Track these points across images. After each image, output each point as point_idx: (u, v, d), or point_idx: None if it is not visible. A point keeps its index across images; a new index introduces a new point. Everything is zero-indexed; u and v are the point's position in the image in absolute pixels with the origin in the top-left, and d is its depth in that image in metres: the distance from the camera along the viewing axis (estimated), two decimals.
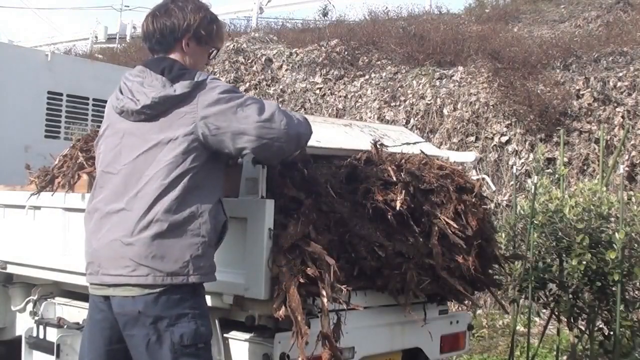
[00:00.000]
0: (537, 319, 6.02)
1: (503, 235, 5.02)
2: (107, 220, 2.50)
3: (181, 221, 2.44)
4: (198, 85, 2.48)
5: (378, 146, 3.41)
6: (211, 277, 2.58)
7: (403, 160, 3.41)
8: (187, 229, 2.45)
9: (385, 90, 10.04)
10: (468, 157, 4.29)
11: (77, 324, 3.53)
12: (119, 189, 2.50)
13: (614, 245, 4.54)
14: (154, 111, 2.50)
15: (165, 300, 2.43)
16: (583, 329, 5.01)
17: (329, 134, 3.53)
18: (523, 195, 7.10)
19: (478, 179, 3.81)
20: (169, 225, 2.42)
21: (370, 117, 9.73)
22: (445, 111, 9.21)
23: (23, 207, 3.72)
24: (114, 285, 2.47)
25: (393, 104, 9.76)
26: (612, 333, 4.82)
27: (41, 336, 3.62)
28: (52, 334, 3.53)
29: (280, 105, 2.64)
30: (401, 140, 3.92)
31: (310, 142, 2.83)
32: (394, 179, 3.20)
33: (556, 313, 4.99)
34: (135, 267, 2.42)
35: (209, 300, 2.99)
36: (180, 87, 2.47)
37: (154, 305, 2.42)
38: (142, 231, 2.42)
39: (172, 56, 2.63)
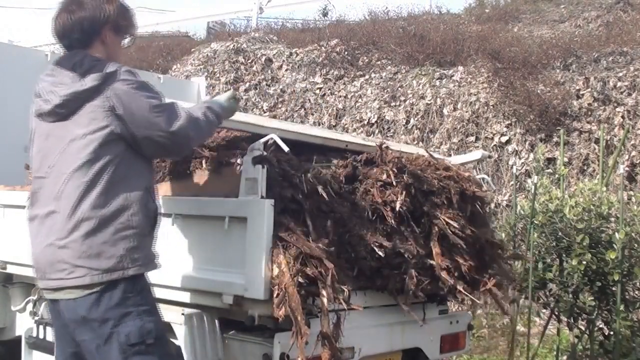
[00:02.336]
0: (537, 319, 6.01)
1: (503, 235, 5.02)
2: (42, 225, 2.50)
3: (110, 215, 2.43)
4: (108, 77, 2.46)
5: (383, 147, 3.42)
6: (150, 266, 2.55)
7: (404, 161, 3.42)
8: (117, 222, 2.43)
9: (385, 90, 10.03)
10: (474, 156, 4.25)
11: None
12: (49, 192, 2.49)
13: (614, 245, 4.54)
14: (67, 109, 2.48)
15: (107, 300, 2.41)
16: (583, 329, 5.01)
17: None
18: (523, 195, 7.10)
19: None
20: (99, 222, 2.41)
21: (370, 117, 9.72)
22: (445, 111, 9.20)
23: (23, 207, 3.71)
24: (58, 289, 2.46)
25: (393, 104, 9.75)
26: (612, 333, 4.82)
27: (41, 336, 3.62)
28: (52, 334, 3.52)
29: (193, 112, 2.60)
30: None
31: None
32: (393, 182, 3.21)
33: (556, 313, 4.99)
34: (72, 269, 2.41)
35: (208, 300, 3.00)
36: (90, 81, 2.46)
37: (95, 308, 2.41)
38: (73, 232, 2.41)
39: (92, 50, 2.60)
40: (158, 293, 3.24)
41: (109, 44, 2.64)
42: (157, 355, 2.47)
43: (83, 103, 2.46)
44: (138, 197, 2.49)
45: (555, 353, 5.44)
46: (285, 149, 2.93)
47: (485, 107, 8.90)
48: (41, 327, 3.62)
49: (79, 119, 2.46)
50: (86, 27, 2.58)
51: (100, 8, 2.59)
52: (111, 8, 2.61)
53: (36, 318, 3.73)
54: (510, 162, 8.29)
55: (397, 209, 3.18)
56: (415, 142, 9.03)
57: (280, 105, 10.95)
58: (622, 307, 4.64)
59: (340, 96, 10.51)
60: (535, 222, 4.89)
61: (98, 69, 2.47)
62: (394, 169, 3.28)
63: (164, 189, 3.40)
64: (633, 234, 4.70)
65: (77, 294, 2.42)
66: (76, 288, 2.42)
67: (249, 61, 12.01)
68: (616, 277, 4.53)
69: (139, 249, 2.48)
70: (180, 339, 3.04)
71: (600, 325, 5.04)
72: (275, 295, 2.70)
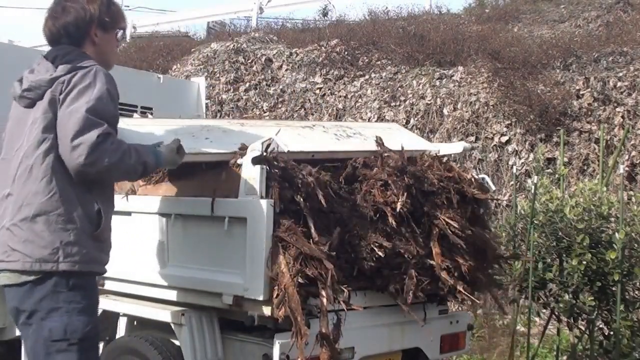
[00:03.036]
0: (537, 319, 6.01)
1: (503, 235, 5.02)
2: (1, 208, 2.52)
3: (51, 204, 2.42)
4: (70, 70, 2.48)
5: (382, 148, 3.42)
6: (88, 266, 2.48)
7: (406, 161, 3.42)
8: (58, 214, 2.42)
9: (385, 90, 10.03)
10: (456, 148, 4.26)
11: None
12: (8, 175, 2.51)
13: (614, 245, 4.54)
14: (34, 95, 2.51)
15: (38, 293, 2.40)
16: (583, 329, 5.00)
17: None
18: (523, 195, 7.09)
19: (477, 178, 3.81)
20: (38, 208, 2.41)
21: (370, 117, 9.73)
22: (445, 111, 9.20)
23: None
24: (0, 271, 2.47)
25: (393, 104, 9.74)
26: (612, 333, 4.82)
27: None
28: None
29: (113, 144, 2.43)
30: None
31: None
32: (392, 184, 3.21)
33: (556, 313, 4.99)
34: (10, 252, 2.42)
35: (208, 300, 3.00)
36: (59, 71, 2.49)
37: (27, 299, 2.41)
38: (16, 215, 2.43)
39: (84, 49, 2.63)
40: (158, 293, 3.25)
41: (99, 43, 2.66)
42: (77, 358, 2.40)
43: (46, 90, 2.49)
44: (79, 193, 2.47)
45: (555, 353, 5.44)
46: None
47: (485, 107, 8.90)
48: None
49: (41, 104, 2.49)
50: (72, 31, 2.61)
51: (83, 10, 2.61)
52: (94, 7, 2.63)
53: None
54: (510, 162, 8.29)
55: (398, 209, 3.18)
56: None
57: (280, 106, 10.95)
58: (622, 307, 4.64)
59: (340, 96, 10.51)
60: (535, 222, 4.89)
61: (74, 62, 2.50)
62: (395, 171, 3.28)
63: (164, 189, 3.40)
64: (633, 234, 4.70)
65: (13, 280, 2.42)
66: (10, 272, 2.42)
67: (249, 61, 12.01)
68: (616, 277, 4.52)
69: (76, 245, 2.43)
70: (180, 339, 3.04)
71: (600, 325, 5.03)
72: (275, 295, 2.71)
